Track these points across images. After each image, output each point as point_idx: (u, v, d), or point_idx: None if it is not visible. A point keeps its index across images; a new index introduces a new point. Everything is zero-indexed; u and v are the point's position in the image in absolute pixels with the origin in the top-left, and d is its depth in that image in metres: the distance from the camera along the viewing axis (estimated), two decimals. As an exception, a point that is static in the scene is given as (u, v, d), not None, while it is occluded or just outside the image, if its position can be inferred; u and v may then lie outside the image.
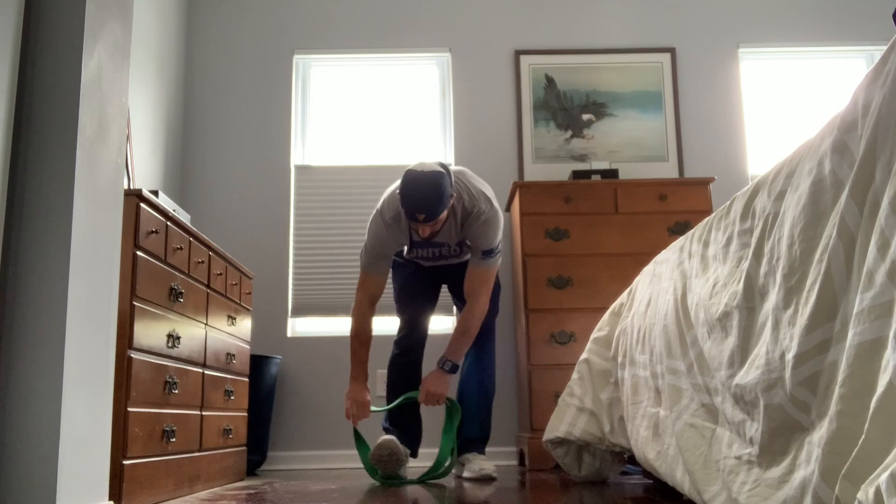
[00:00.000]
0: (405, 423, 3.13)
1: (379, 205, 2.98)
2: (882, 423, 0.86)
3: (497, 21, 4.50)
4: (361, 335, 3.04)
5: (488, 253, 2.96)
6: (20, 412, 1.55)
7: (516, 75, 4.42)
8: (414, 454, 3.16)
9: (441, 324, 4.23)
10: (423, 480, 2.98)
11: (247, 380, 3.26)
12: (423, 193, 2.69)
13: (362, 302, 3.03)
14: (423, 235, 2.82)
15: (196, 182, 4.29)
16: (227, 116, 4.37)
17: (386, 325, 3.96)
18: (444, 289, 3.40)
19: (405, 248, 3.11)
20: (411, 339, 3.17)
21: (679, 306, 1.83)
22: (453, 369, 3.03)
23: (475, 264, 2.99)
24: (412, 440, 3.14)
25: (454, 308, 4.16)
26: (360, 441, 3.08)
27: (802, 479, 1.13)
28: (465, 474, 3.04)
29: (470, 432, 3.15)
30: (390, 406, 3.13)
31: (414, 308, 3.18)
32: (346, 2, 4.50)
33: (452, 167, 3.00)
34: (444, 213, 2.79)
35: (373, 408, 3.11)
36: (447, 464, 3.04)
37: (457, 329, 3.04)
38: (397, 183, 2.95)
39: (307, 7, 4.49)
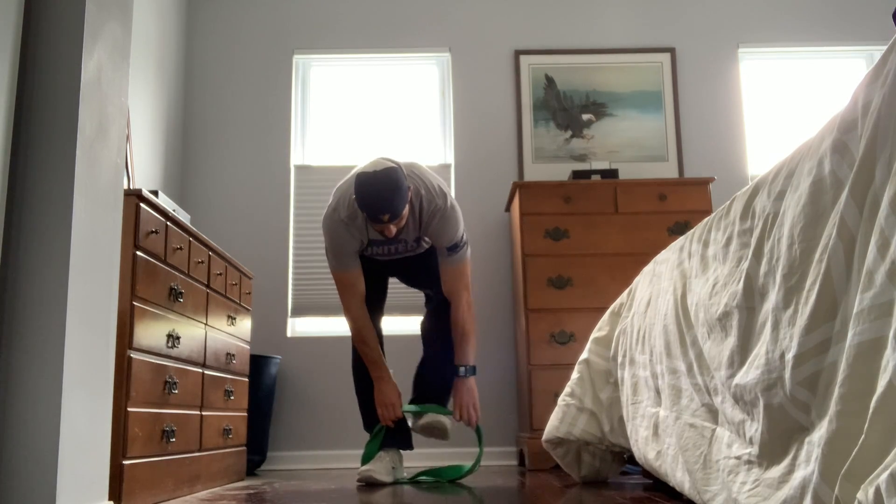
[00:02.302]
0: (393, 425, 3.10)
1: (332, 203, 2.89)
2: (882, 423, 0.86)
3: (497, 21, 4.50)
4: (366, 337, 2.97)
5: (453, 248, 2.92)
6: (20, 412, 1.55)
7: (516, 75, 4.42)
8: (409, 447, 3.12)
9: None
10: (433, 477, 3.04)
11: (247, 380, 3.26)
12: (381, 194, 2.64)
13: (351, 304, 2.97)
14: (390, 235, 2.76)
15: (196, 182, 4.29)
16: (227, 116, 4.37)
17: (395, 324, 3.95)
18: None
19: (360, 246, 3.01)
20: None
21: (679, 306, 1.83)
22: (469, 371, 2.99)
23: (445, 262, 2.95)
24: (404, 438, 3.09)
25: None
26: (375, 440, 3.04)
27: (802, 479, 1.13)
28: (420, 423, 3.01)
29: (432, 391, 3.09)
30: (417, 409, 3.08)
31: (369, 305, 3.06)
32: (346, 2, 4.50)
33: (402, 161, 2.94)
34: (406, 210, 2.75)
35: (404, 408, 3.05)
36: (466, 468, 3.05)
37: (454, 334, 2.99)
38: (347, 181, 2.90)
39: (307, 7, 4.49)
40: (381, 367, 3.00)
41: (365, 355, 3.00)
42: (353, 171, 2.86)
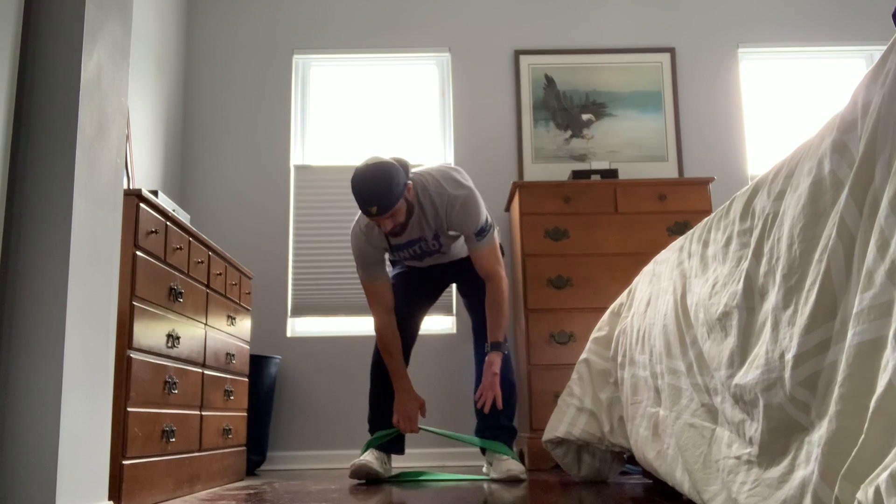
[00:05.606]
0: (389, 424, 3.10)
1: (357, 216, 3.00)
2: (882, 423, 0.86)
3: (497, 21, 4.50)
4: (389, 346, 3.01)
5: (480, 233, 2.92)
6: (20, 412, 1.55)
7: (516, 75, 4.42)
8: (401, 451, 3.14)
9: (439, 324, 4.23)
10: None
11: (246, 380, 3.26)
12: (369, 185, 2.67)
13: (378, 314, 3.02)
14: (386, 230, 2.79)
15: (196, 182, 4.29)
16: (226, 116, 4.37)
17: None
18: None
19: (387, 253, 3.09)
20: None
21: (679, 306, 1.83)
22: (495, 347, 2.95)
23: (475, 248, 2.96)
24: (397, 441, 3.12)
25: (453, 308, 4.16)
26: (379, 440, 3.06)
27: (802, 479, 1.13)
28: (493, 475, 2.97)
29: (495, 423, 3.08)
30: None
31: (403, 309, 3.10)
32: (346, 2, 4.49)
33: (422, 168, 2.99)
34: (401, 204, 2.76)
35: (422, 426, 3.09)
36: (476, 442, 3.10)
37: (487, 309, 2.98)
38: None
39: (307, 7, 4.49)
40: (402, 377, 3.04)
41: (388, 364, 3.04)
42: None
